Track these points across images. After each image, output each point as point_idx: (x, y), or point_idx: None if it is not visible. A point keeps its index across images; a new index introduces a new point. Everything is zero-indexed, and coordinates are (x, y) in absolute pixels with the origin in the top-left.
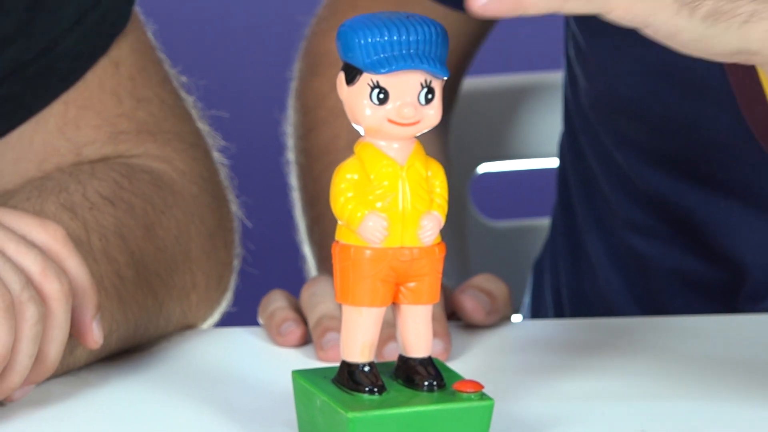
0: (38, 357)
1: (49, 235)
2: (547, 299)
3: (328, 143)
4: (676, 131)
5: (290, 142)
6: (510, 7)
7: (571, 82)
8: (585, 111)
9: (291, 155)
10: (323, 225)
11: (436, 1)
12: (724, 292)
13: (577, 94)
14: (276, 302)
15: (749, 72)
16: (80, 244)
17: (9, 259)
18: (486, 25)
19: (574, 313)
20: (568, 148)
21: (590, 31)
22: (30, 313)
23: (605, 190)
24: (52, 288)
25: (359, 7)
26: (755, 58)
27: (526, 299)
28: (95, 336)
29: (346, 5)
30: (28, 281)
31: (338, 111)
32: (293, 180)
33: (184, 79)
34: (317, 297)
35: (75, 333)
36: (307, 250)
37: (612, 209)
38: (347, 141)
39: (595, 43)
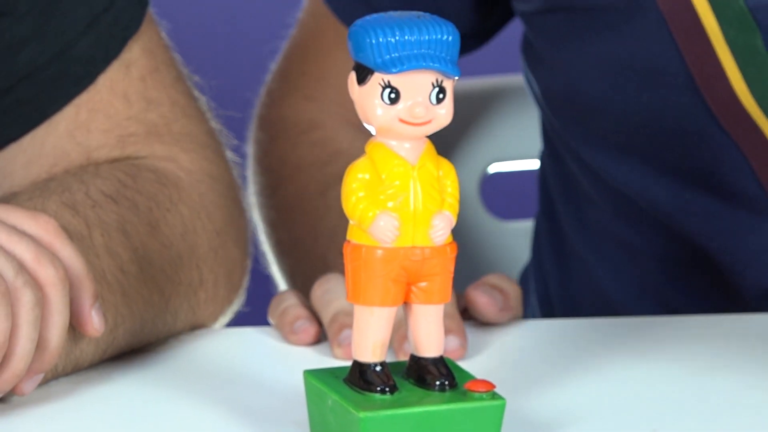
0: (40, 344)
1: (40, 227)
2: (533, 306)
3: (297, 194)
4: (638, 122)
5: (255, 210)
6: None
7: (533, 93)
8: (550, 116)
9: (258, 218)
10: (305, 268)
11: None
12: (713, 276)
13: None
14: (287, 301)
15: (705, 49)
16: (81, 240)
17: (1, 248)
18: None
19: (566, 313)
20: (547, 154)
21: (552, 38)
22: (27, 297)
23: (585, 187)
24: (47, 274)
25: (308, 73)
26: None
27: None
28: (95, 324)
29: (295, 72)
30: (22, 267)
31: (303, 166)
32: (264, 239)
33: (196, 78)
34: (330, 294)
35: (74, 322)
36: None
37: (595, 204)
38: (316, 189)
39: (558, 46)
